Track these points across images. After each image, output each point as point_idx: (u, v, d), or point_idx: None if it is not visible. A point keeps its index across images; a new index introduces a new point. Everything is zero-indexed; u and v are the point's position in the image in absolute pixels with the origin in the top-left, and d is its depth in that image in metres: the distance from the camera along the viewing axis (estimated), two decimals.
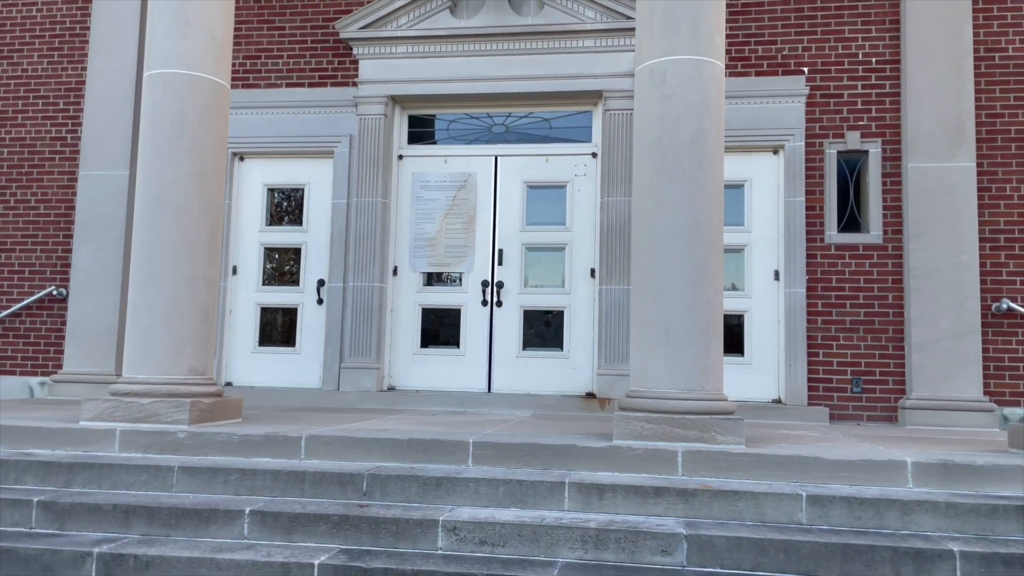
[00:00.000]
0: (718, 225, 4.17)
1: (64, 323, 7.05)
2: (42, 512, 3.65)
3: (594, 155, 6.75)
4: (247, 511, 3.51)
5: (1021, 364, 5.92)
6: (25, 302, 7.06)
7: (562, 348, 6.69)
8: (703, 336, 4.05)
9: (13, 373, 7.11)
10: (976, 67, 6.18)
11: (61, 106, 7.25)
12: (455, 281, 6.88)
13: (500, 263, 6.81)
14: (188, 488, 3.86)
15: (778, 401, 6.31)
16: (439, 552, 3.35)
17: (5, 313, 7.07)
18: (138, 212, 4.57)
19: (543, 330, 6.75)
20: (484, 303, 6.80)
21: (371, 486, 3.74)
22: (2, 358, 7.11)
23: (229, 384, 7.01)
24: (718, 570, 3.19)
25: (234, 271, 7.11)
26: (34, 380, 7.03)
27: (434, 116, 7.06)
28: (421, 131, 7.09)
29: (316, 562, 3.18)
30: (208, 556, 3.25)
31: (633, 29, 6.35)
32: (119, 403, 4.37)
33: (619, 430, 4.00)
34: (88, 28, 7.26)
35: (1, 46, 7.37)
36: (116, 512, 3.60)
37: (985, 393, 5.93)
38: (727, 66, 6.50)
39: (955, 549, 3.10)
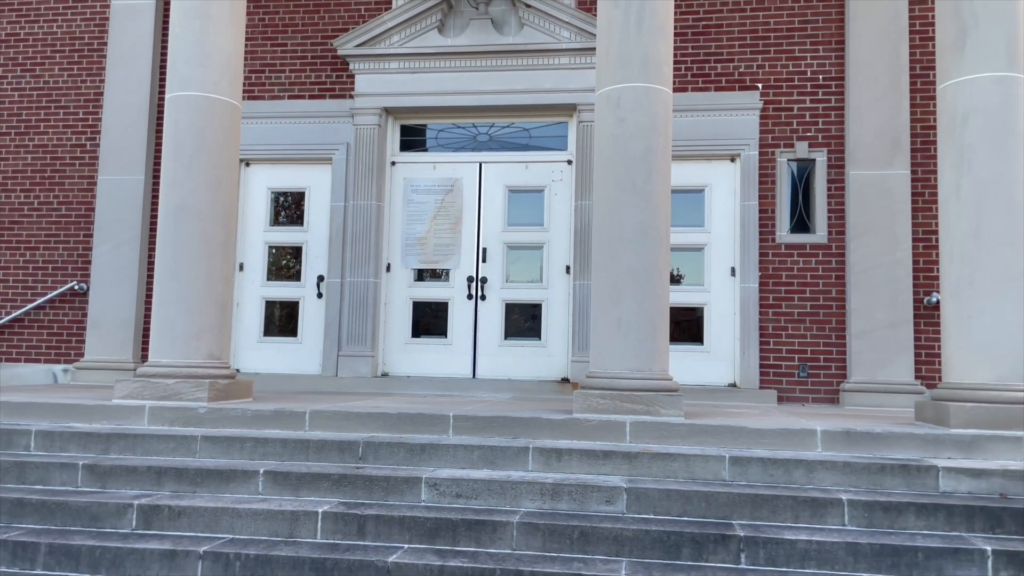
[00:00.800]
0: (665, 229, 4.84)
1: (85, 315, 7.70)
2: (87, 473, 4.32)
3: (569, 162, 7.41)
4: (261, 471, 4.18)
5: None
6: (49, 296, 7.70)
7: (540, 338, 7.36)
8: (651, 325, 4.72)
9: (38, 361, 7.76)
10: (912, 83, 6.84)
11: (81, 115, 7.88)
12: (443, 277, 7.54)
13: (484, 260, 7.47)
14: (209, 454, 4.53)
15: (733, 385, 6.99)
16: (422, 504, 4.02)
17: (30, 306, 7.71)
18: (162, 217, 5.22)
19: (523, 321, 7.42)
20: (469, 297, 7.46)
21: (366, 452, 4.40)
22: (28, 347, 7.76)
23: (237, 371, 7.66)
24: (651, 516, 3.87)
25: (240, 267, 7.76)
26: (57, 367, 7.68)
27: (424, 126, 7.71)
28: (412, 139, 7.74)
29: (320, 510, 3.85)
30: (230, 506, 3.92)
31: None
32: (147, 383, 5.04)
33: (578, 405, 4.67)
34: (105, 44, 7.89)
35: (24, 59, 8.00)
36: (150, 473, 4.26)
37: (916, 377, 6.61)
38: (689, 82, 7.15)
39: (844, 498, 3.78)
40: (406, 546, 3.73)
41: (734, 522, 3.78)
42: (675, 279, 7.19)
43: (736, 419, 4.77)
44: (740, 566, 3.51)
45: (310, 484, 4.14)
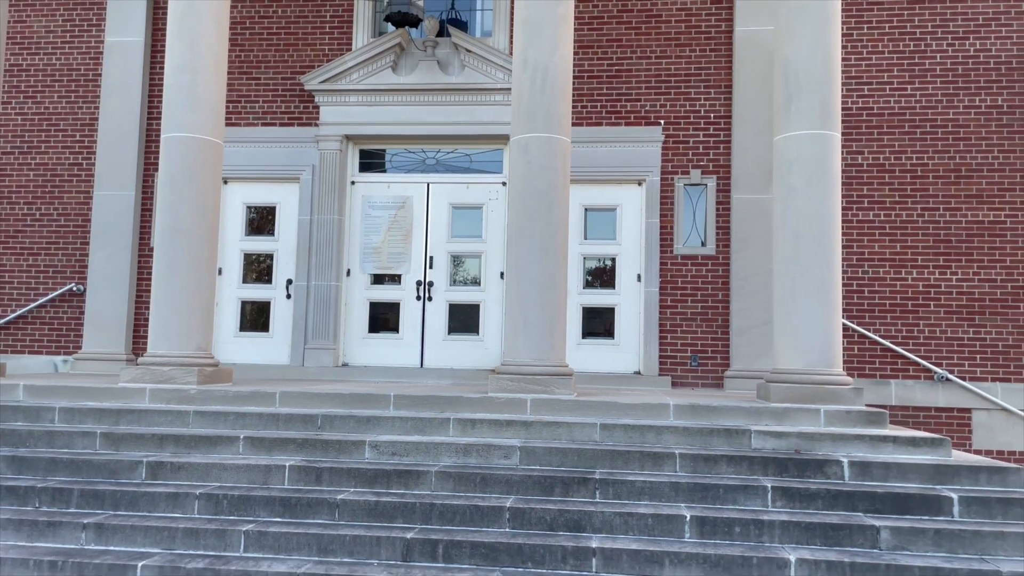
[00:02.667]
0: (563, 249, 6.13)
1: (82, 313, 8.81)
2: (103, 440, 5.51)
3: (504, 184, 8.69)
4: (241, 437, 5.41)
5: None
6: (50, 296, 8.80)
7: (478, 333, 8.65)
8: (550, 324, 6.02)
9: (40, 353, 8.86)
10: None
11: (78, 138, 8.98)
12: (396, 281, 8.78)
13: (431, 267, 8.73)
14: (200, 425, 5.74)
15: (638, 373, 8.34)
16: (366, 460, 5.28)
17: (33, 305, 8.81)
18: (158, 236, 6.40)
19: (464, 319, 8.69)
20: (418, 298, 8.72)
21: (323, 423, 5.65)
22: (31, 341, 8.86)
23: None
24: (536, 467, 5.17)
25: (220, 272, 8.93)
26: (58, 359, 8.79)
27: (380, 151, 8.93)
28: (370, 162, 8.96)
29: (287, 464, 5.09)
30: (217, 462, 5.14)
31: None
32: (147, 370, 6.23)
33: (492, 386, 5.96)
34: (100, 75, 8.98)
35: (27, 87, 9.06)
36: (153, 439, 5.47)
37: None
38: (604, 118, 8.46)
39: (678, 452, 5.11)
40: (352, 489, 4.99)
41: (596, 470, 5.10)
42: (592, 284, 8.52)
43: (614, 397, 6.10)
44: (595, 500, 4.83)
45: (280, 446, 5.37)
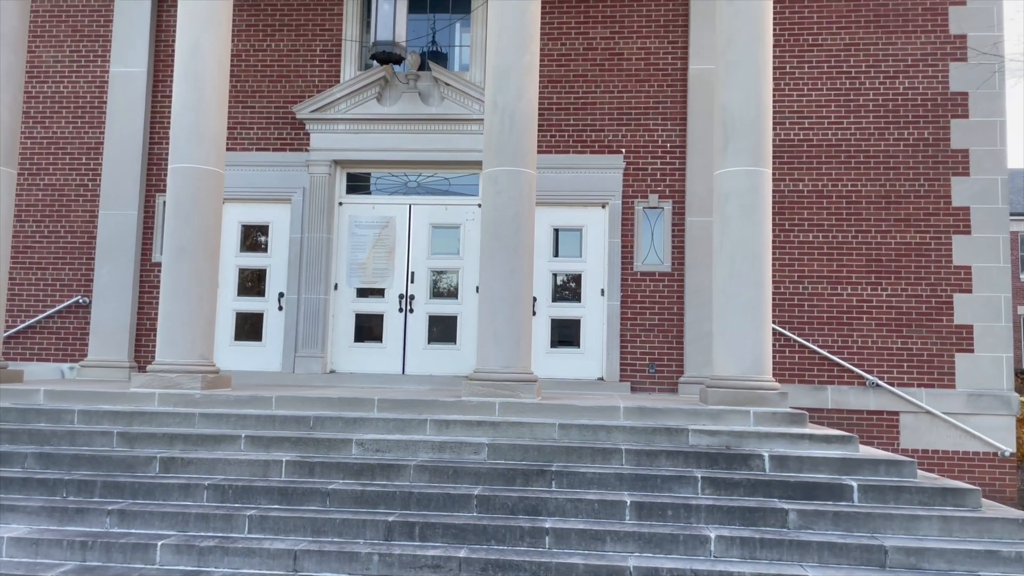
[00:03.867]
0: (528, 269, 6.92)
1: (87, 323, 9.49)
2: (119, 439, 6.22)
3: (479, 206, 9.46)
4: (243, 436, 6.14)
5: None
6: (57, 308, 9.47)
7: (455, 343, 9.42)
8: (516, 336, 6.80)
9: (47, 361, 9.51)
10: None
11: (83, 160, 9.66)
12: (379, 294, 9.53)
13: (412, 281, 9.49)
14: (205, 426, 6.46)
15: (601, 379, 9.14)
16: (352, 456, 6.03)
17: (41, 316, 9.47)
18: (165, 255, 7.12)
19: (443, 330, 9.46)
20: (400, 310, 9.48)
21: (315, 423, 6.39)
22: (39, 349, 9.52)
23: None
24: (502, 461, 5.94)
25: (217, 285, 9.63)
26: (64, 366, 9.45)
27: (366, 174, 9.69)
28: (356, 185, 9.72)
29: (284, 459, 5.82)
30: (222, 458, 5.87)
31: None
32: (155, 376, 6.94)
33: (464, 391, 6.73)
34: (105, 103, 9.68)
35: (36, 113, 9.74)
36: (164, 438, 6.19)
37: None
38: (571, 146, 9.28)
39: (623, 448, 5.91)
40: (340, 481, 5.73)
41: (553, 464, 5.88)
42: (561, 297, 9.31)
43: (573, 400, 6.89)
44: (551, 489, 5.61)
45: (277, 444, 6.11)
